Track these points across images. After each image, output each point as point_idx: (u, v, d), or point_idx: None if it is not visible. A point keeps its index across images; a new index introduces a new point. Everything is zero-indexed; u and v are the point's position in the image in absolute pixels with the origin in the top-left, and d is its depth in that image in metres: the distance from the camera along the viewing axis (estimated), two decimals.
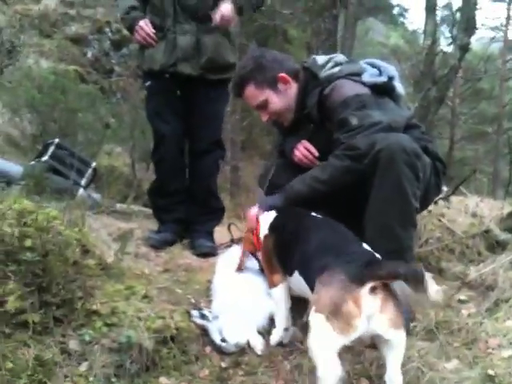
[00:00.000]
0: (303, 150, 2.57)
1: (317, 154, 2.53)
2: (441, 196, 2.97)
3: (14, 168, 3.79)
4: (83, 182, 4.15)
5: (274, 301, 2.27)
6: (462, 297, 2.46)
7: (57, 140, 4.30)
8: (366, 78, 2.46)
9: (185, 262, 3.07)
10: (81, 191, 3.94)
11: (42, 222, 2.08)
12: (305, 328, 2.35)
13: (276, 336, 2.26)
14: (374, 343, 1.79)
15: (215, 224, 3.61)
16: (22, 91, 6.73)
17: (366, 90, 2.40)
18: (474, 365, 1.92)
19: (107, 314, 2.08)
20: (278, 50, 2.96)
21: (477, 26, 8.75)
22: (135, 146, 7.55)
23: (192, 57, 3.24)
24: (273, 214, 2.34)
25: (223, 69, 3.36)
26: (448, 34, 19.08)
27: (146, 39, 3.23)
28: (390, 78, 2.50)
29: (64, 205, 2.53)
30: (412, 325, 2.21)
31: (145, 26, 3.21)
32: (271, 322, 2.33)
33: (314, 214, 2.19)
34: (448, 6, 16.76)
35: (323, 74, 2.51)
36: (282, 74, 2.56)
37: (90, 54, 10.24)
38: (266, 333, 2.30)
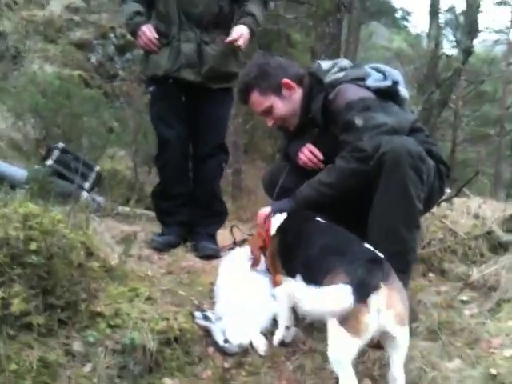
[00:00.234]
0: (308, 153, 2.59)
1: (321, 157, 2.55)
2: (444, 198, 2.97)
3: (19, 172, 3.81)
4: (87, 185, 4.18)
5: (277, 300, 2.29)
6: (465, 297, 2.47)
7: (61, 144, 4.33)
8: (370, 82, 2.48)
9: (188, 265, 3.08)
10: (85, 195, 3.95)
11: (47, 226, 2.09)
12: (307, 329, 2.38)
13: (278, 335, 2.27)
14: (378, 342, 1.81)
15: (218, 227, 3.62)
16: (26, 96, 6.76)
17: (370, 94, 2.41)
18: (476, 364, 1.93)
19: (111, 315, 2.09)
20: (282, 55, 3.00)
21: (480, 29, 8.76)
22: (138, 150, 7.57)
23: (195, 64, 3.26)
24: (283, 216, 2.36)
25: (225, 78, 3.38)
26: (451, 38, 19.08)
27: (148, 44, 3.25)
28: (395, 83, 2.51)
29: (68, 208, 2.55)
30: (415, 325, 2.22)
31: (147, 31, 3.23)
32: (274, 323, 2.34)
33: (318, 218, 2.19)
34: (451, 10, 16.76)
35: (328, 79, 2.53)
36: (286, 80, 2.58)
37: (94, 59, 10.28)
38: (268, 334, 2.32)
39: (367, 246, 1.92)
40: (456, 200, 3.24)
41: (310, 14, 8.18)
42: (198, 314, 2.33)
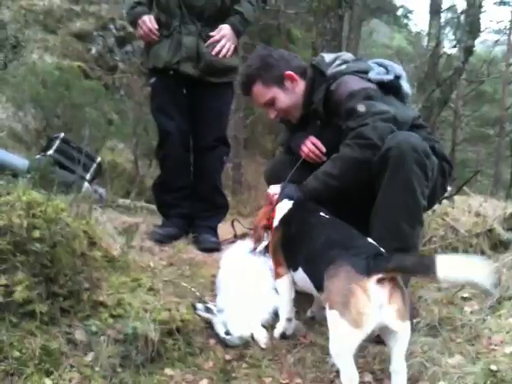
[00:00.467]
0: (311, 145, 2.58)
1: (324, 149, 2.54)
2: (445, 195, 2.98)
3: (20, 161, 3.80)
4: (88, 176, 4.17)
5: (279, 292, 2.30)
6: (465, 294, 2.47)
7: (62, 134, 4.31)
8: (372, 75, 2.48)
9: (189, 257, 3.09)
10: (86, 185, 3.95)
11: (50, 214, 2.09)
12: (308, 323, 2.39)
13: (279, 327, 2.28)
14: (378, 337, 1.82)
15: (219, 220, 3.63)
16: (26, 86, 6.75)
17: (372, 85, 2.41)
18: (476, 360, 1.93)
19: (113, 305, 2.09)
20: (282, 50, 2.99)
21: (481, 28, 8.76)
22: (138, 143, 7.57)
23: (194, 58, 3.26)
24: (287, 206, 2.34)
25: (224, 72, 3.37)
26: (451, 37, 19.09)
27: (148, 34, 3.24)
28: (397, 77, 2.52)
29: (70, 198, 2.55)
30: (415, 321, 2.23)
31: (148, 21, 3.22)
32: (275, 316, 2.35)
33: (322, 213, 2.19)
34: (452, 9, 16.74)
35: (330, 71, 2.52)
36: (289, 72, 2.58)
37: (94, 51, 10.25)
38: (269, 327, 2.32)
39: (371, 241, 1.93)
40: (457, 198, 3.25)
41: (311, 10, 8.15)
42: (199, 305, 2.33)
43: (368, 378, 1.99)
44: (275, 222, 2.35)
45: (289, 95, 2.60)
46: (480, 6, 8.24)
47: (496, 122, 18.84)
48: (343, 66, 2.53)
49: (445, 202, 3.14)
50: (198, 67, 3.27)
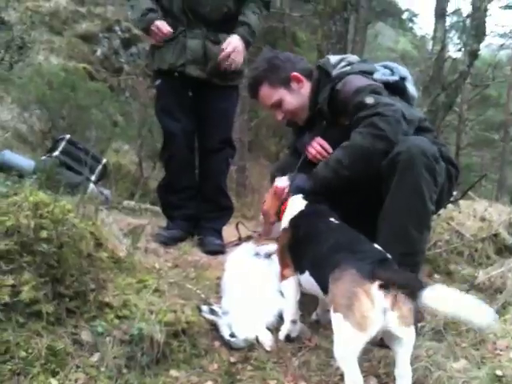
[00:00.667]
0: (317, 146, 2.57)
1: (330, 150, 2.52)
2: (450, 200, 2.98)
3: (26, 162, 3.83)
4: (93, 177, 4.19)
5: (284, 293, 2.30)
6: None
7: (68, 136, 4.34)
8: (377, 75, 2.49)
9: (194, 259, 3.10)
10: (91, 187, 3.97)
11: (57, 215, 2.10)
12: (313, 326, 2.39)
13: (284, 330, 2.28)
14: (382, 340, 1.82)
15: (224, 222, 3.63)
16: (31, 87, 6.78)
17: (378, 83, 2.42)
18: (481, 365, 1.93)
19: (119, 306, 2.10)
20: (288, 52, 3.00)
21: (486, 32, 8.75)
22: (143, 145, 7.59)
23: (200, 61, 3.27)
24: (299, 206, 2.32)
25: (230, 76, 3.38)
26: (456, 41, 19.06)
27: (161, 38, 3.25)
28: (402, 79, 2.52)
29: (76, 199, 2.56)
30: (420, 325, 2.23)
31: (162, 26, 3.23)
32: (280, 319, 2.35)
33: (332, 219, 2.17)
34: (457, 12, 16.72)
35: (335, 71, 2.54)
36: (295, 74, 2.59)
37: (99, 52, 10.28)
38: (274, 329, 2.32)
39: (377, 246, 1.93)
40: (462, 202, 3.24)
41: (316, 13, 8.17)
42: (204, 307, 2.34)
43: (373, 381, 1.98)
44: (284, 221, 2.33)
45: (295, 96, 2.61)
46: (485, 10, 8.24)
47: (501, 126, 18.79)
48: (348, 67, 2.54)
49: (450, 206, 3.13)
50: (206, 70, 3.28)
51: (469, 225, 3.01)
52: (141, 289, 2.26)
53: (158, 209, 4.14)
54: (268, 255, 2.71)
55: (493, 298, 2.48)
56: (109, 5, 11.05)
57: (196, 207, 3.53)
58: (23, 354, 1.81)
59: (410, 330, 1.72)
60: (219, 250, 3.32)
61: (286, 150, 3.68)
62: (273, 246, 2.73)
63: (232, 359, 2.17)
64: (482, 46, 8.64)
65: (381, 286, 1.67)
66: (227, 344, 2.23)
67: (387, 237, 2.17)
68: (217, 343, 2.24)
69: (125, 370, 1.93)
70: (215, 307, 2.36)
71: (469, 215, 3.09)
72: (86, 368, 1.88)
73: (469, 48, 7.84)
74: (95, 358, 1.92)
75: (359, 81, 2.42)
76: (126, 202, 4.70)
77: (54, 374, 1.81)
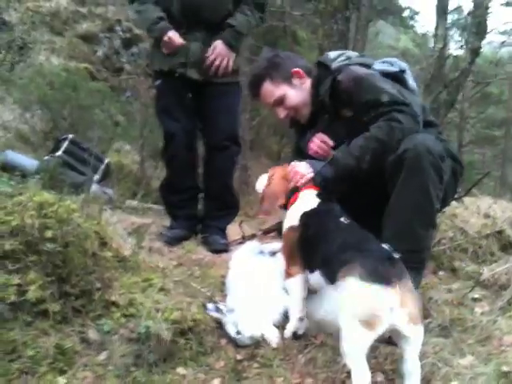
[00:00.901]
0: (318, 141, 2.56)
1: (331, 143, 2.52)
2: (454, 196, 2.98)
3: (29, 162, 3.83)
4: (96, 177, 4.19)
5: (290, 291, 2.29)
6: (476, 295, 2.46)
7: (71, 135, 4.34)
8: (377, 66, 2.50)
9: (198, 258, 3.10)
10: (94, 186, 3.97)
11: (62, 214, 2.12)
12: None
13: (291, 327, 2.27)
14: (389, 337, 1.83)
15: (229, 220, 3.62)
16: (33, 88, 6.77)
17: (377, 73, 2.43)
18: (488, 361, 1.93)
19: (125, 305, 2.12)
20: (288, 51, 3.01)
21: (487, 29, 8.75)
22: (144, 145, 7.58)
23: (199, 63, 3.27)
24: (310, 204, 2.27)
25: (227, 74, 3.37)
26: (457, 38, 19.02)
27: (173, 49, 3.25)
28: (402, 71, 2.53)
29: (79, 199, 2.56)
30: (426, 321, 2.23)
31: (174, 37, 3.21)
32: (285, 316, 2.35)
33: (343, 219, 2.15)
34: (458, 10, 16.69)
35: (335, 64, 2.54)
36: (296, 69, 2.60)
37: (100, 52, 10.26)
38: (280, 327, 2.33)
39: (385, 246, 1.93)
40: (466, 199, 3.24)
41: (317, 11, 8.15)
42: (210, 305, 2.34)
43: (380, 378, 1.98)
44: (294, 216, 2.28)
45: (297, 92, 2.61)
46: (487, 8, 8.24)
47: (502, 123, 18.77)
48: (347, 61, 2.55)
49: (454, 203, 3.13)
50: (204, 69, 3.28)
51: (473, 222, 3.00)
52: (146, 287, 2.27)
53: (160, 208, 4.14)
54: (272, 253, 2.71)
55: (498, 295, 2.47)
56: (110, 5, 11.02)
57: (200, 206, 3.52)
58: (30, 352, 1.82)
59: (418, 328, 1.73)
60: (223, 250, 3.32)
61: (289, 153, 3.67)
62: (277, 244, 2.74)
63: (238, 357, 2.17)
64: (483, 43, 8.63)
65: (389, 284, 1.67)
66: (233, 341, 2.24)
67: (392, 233, 2.17)
68: (223, 341, 2.25)
69: (132, 368, 1.94)
70: (221, 305, 2.36)
71: (473, 212, 3.08)
72: (94, 366, 1.89)
73: (470, 45, 7.84)
74: (103, 356, 1.94)
75: (360, 71, 2.43)
76: (128, 202, 4.70)
77: (62, 372, 1.82)
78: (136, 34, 10.29)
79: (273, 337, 2.24)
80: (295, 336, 2.27)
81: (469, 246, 2.88)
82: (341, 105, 2.46)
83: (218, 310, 2.33)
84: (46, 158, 4.07)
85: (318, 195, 2.31)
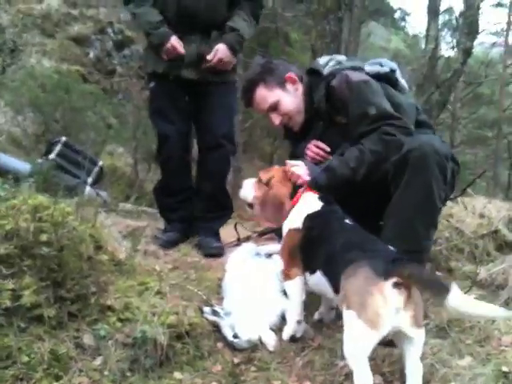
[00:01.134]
0: (314, 148, 2.57)
1: (328, 149, 2.52)
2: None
3: (22, 165, 3.80)
4: (90, 180, 4.16)
5: (288, 294, 2.28)
6: (473, 295, 2.46)
7: (63, 138, 4.31)
8: (368, 68, 2.51)
9: (193, 260, 3.09)
10: (88, 189, 3.94)
11: (57, 218, 2.08)
12: (316, 326, 2.38)
13: (289, 329, 2.26)
14: (391, 341, 1.82)
15: (223, 222, 3.59)
16: (24, 90, 6.73)
17: (371, 79, 2.44)
18: (487, 362, 1.92)
19: (121, 309, 2.09)
20: (280, 53, 3.01)
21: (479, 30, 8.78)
22: (138, 147, 7.55)
23: (195, 63, 3.25)
24: (314, 207, 2.24)
25: (224, 72, 3.36)
26: (448, 39, 19.11)
27: (174, 56, 3.22)
28: (393, 71, 2.54)
29: (74, 202, 2.54)
30: (424, 322, 2.22)
31: (177, 45, 3.18)
32: (283, 319, 2.34)
33: (347, 220, 2.13)
34: (449, 11, 16.76)
35: (326, 70, 2.54)
36: (290, 74, 2.60)
37: (92, 55, 10.22)
38: (277, 330, 2.31)
39: (390, 247, 1.92)
40: (461, 199, 3.24)
41: (310, 13, 8.16)
42: (206, 309, 2.32)
43: (378, 380, 1.96)
44: (296, 218, 2.26)
45: (291, 98, 2.60)
46: (478, 8, 8.27)
47: (494, 123, 18.82)
48: (338, 66, 2.55)
49: (449, 203, 3.13)
50: (200, 69, 3.26)
51: (468, 222, 3.01)
52: (142, 291, 2.25)
53: (154, 211, 4.12)
54: (269, 255, 2.70)
55: (495, 295, 2.48)
56: (101, 7, 10.99)
57: (195, 206, 3.50)
58: (25, 358, 1.79)
59: (421, 330, 1.72)
60: (218, 253, 3.28)
61: (282, 155, 3.66)
62: (273, 246, 2.73)
63: (236, 360, 2.16)
64: (474, 44, 8.67)
65: (395, 285, 1.66)
66: (230, 345, 2.22)
67: (393, 231, 2.18)
68: (220, 344, 2.23)
69: (128, 374, 1.91)
70: (217, 308, 2.35)
71: (468, 212, 3.09)
72: (89, 372, 1.86)
73: (462, 46, 7.86)
74: (98, 361, 1.91)
75: (354, 77, 2.43)
76: (122, 205, 4.68)
77: (57, 378, 1.79)
78: (128, 36, 10.27)
79: (270, 340, 2.23)
80: (293, 339, 2.26)
81: (465, 246, 2.89)
82: (335, 112, 2.46)
83: (214, 313, 2.31)
84: (40, 160, 4.04)
85: (320, 198, 2.29)
